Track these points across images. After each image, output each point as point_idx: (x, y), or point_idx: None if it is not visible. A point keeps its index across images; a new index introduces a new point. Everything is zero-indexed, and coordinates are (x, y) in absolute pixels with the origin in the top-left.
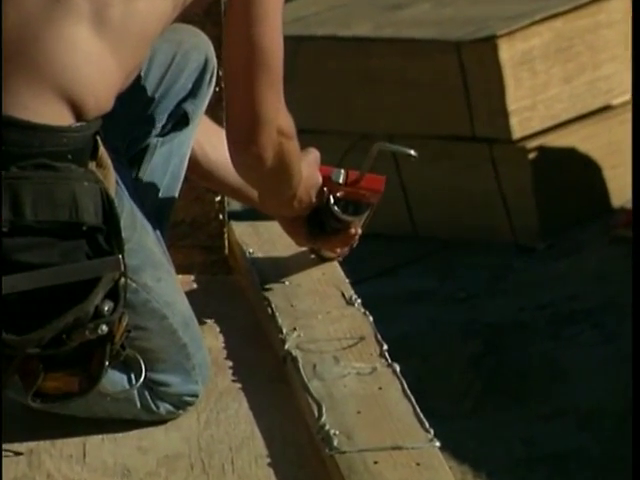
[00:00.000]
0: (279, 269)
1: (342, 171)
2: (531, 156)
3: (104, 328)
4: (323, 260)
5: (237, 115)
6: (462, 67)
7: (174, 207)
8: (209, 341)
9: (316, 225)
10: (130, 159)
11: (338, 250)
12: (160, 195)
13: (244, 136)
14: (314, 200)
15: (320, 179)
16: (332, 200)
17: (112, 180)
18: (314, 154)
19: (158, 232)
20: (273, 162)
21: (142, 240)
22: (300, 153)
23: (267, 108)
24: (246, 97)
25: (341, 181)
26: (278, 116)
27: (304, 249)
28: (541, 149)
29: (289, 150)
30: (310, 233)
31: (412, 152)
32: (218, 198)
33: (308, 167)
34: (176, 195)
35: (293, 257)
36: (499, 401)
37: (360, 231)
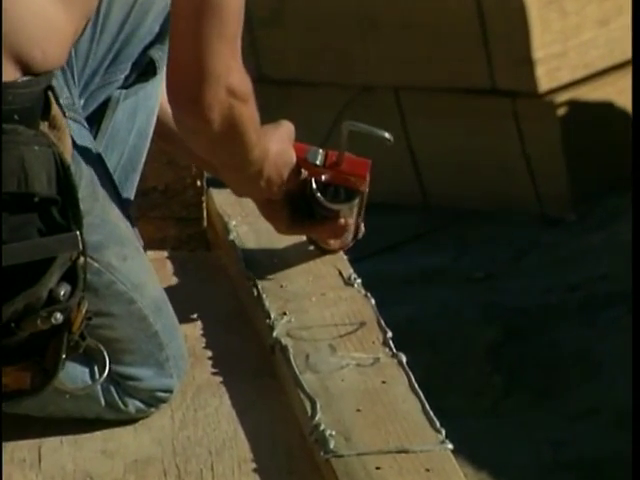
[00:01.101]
0: (267, 244)
1: (320, 151)
2: (560, 112)
3: (58, 317)
4: (323, 252)
5: (180, 67)
6: (480, 8)
7: (142, 172)
8: (185, 328)
9: (297, 210)
10: (89, 117)
11: (332, 242)
12: (125, 158)
13: (186, 92)
14: (286, 181)
15: (294, 157)
16: (314, 184)
17: (68, 143)
18: (287, 127)
19: (124, 202)
20: (221, 127)
21: (105, 212)
22: (257, 120)
23: (215, 61)
24: (192, 46)
25: (318, 162)
26: (230, 73)
27: (302, 239)
28: (572, 103)
29: (242, 114)
30: (292, 219)
31: (387, 135)
32: None
33: (280, 142)
34: (144, 157)
35: (289, 248)
36: (522, 398)
37: (352, 221)
